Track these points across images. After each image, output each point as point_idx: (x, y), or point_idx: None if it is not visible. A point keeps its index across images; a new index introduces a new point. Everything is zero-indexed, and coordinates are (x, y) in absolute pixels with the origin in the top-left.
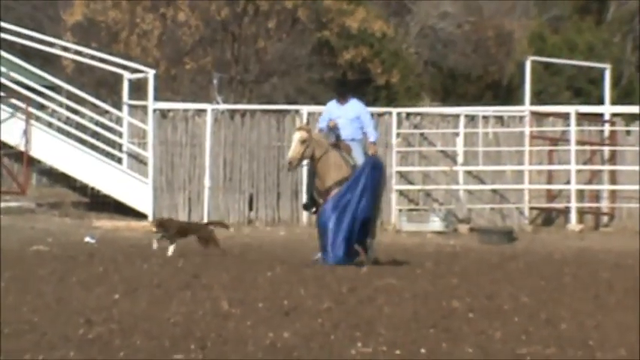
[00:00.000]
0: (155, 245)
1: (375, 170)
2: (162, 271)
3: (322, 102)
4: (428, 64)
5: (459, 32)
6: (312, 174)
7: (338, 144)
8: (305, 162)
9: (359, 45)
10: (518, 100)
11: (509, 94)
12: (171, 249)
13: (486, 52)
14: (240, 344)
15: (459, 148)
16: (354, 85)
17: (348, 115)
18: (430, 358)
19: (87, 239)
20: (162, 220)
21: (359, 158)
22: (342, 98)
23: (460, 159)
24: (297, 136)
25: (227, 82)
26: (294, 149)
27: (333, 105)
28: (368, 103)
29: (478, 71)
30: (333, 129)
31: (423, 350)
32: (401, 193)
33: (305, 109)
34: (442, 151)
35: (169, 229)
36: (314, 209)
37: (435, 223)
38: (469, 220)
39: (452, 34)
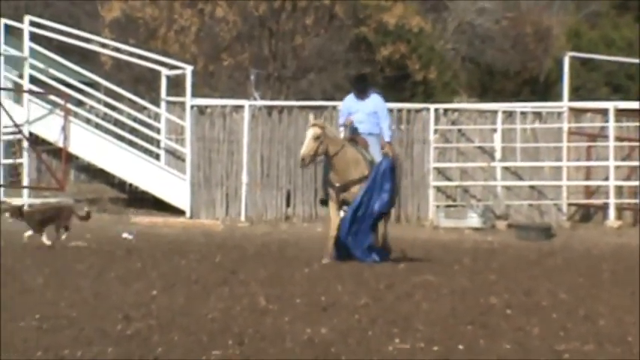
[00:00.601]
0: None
1: (386, 172)
2: (199, 266)
3: None
4: (465, 60)
5: (496, 28)
6: (328, 170)
7: (355, 139)
8: (319, 159)
9: (396, 41)
10: (556, 96)
11: (547, 90)
12: (28, 233)
13: (524, 48)
14: (277, 340)
15: (497, 144)
16: (370, 80)
17: (367, 109)
18: (468, 355)
19: (125, 235)
20: (16, 209)
21: (376, 153)
22: (362, 94)
23: (498, 155)
24: (311, 132)
25: (264, 78)
26: (307, 145)
27: (351, 99)
28: (405, 99)
29: (516, 67)
30: (349, 126)
31: (460, 346)
32: (438, 189)
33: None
34: (480, 147)
35: (31, 220)
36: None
37: (473, 219)
38: (507, 216)
39: (490, 30)
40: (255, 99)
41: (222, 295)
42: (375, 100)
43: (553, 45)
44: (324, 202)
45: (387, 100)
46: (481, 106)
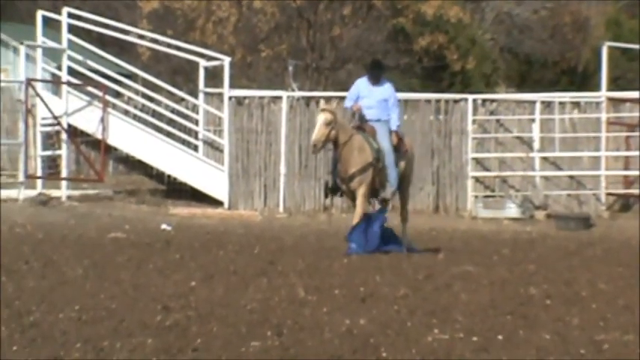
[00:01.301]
0: None
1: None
2: (238, 258)
3: (398, 89)
4: (504, 51)
5: (535, 18)
6: (336, 159)
7: (362, 126)
8: (329, 145)
9: (434, 31)
10: (595, 86)
11: (585, 80)
12: None
13: (563, 38)
14: (316, 331)
15: (535, 134)
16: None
17: (377, 97)
18: (507, 345)
19: (163, 226)
20: None
21: (384, 141)
22: (376, 80)
23: (536, 145)
24: (322, 118)
25: (302, 69)
26: (318, 131)
27: (363, 84)
28: (443, 90)
29: (554, 57)
30: (357, 112)
31: (500, 337)
32: (477, 179)
33: None
34: (518, 138)
35: None
36: (340, 193)
37: (512, 210)
38: (546, 206)
39: (528, 20)
40: (293, 90)
41: (261, 286)
42: (387, 88)
43: (591, 35)
44: (333, 192)
45: (425, 90)
46: (519, 97)
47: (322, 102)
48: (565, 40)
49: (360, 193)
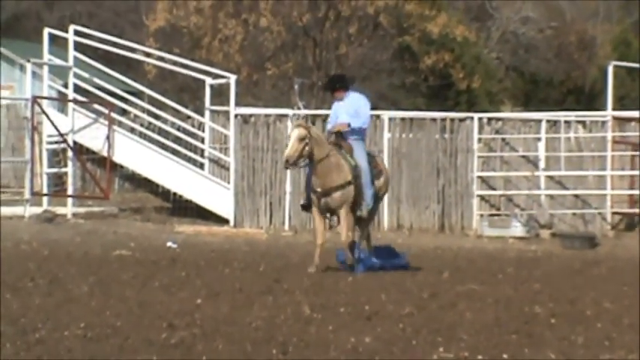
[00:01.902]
0: None
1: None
2: (243, 275)
3: (403, 107)
4: (509, 69)
5: (540, 37)
6: (310, 174)
7: (340, 143)
8: (303, 162)
9: (440, 50)
10: (601, 105)
11: (591, 99)
12: None
13: (568, 57)
14: (322, 349)
15: (541, 153)
16: (345, 79)
17: (349, 111)
18: None
19: (169, 244)
20: None
21: (361, 158)
22: (335, 94)
23: (542, 164)
24: (296, 133)
25: (308, 87)
26: (292, 146)
27: (335, 104)
28: (449, 108)
29: (560, 76)
30: (338, 130)
31: (505, 356)
32: (482, 198)
33: (386, 115)
34: (524, 156)
35: None
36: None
37: (517, 229)
38: (551, 225)
39: (534, 39)
40: (299, 108)
41: (266, 303)
42: (354, 100)
43: (597, 54)
44: (305, 208)
45: (430, 108)
46: (525, 115)
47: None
48: (571, 60)
49: (343, 215)
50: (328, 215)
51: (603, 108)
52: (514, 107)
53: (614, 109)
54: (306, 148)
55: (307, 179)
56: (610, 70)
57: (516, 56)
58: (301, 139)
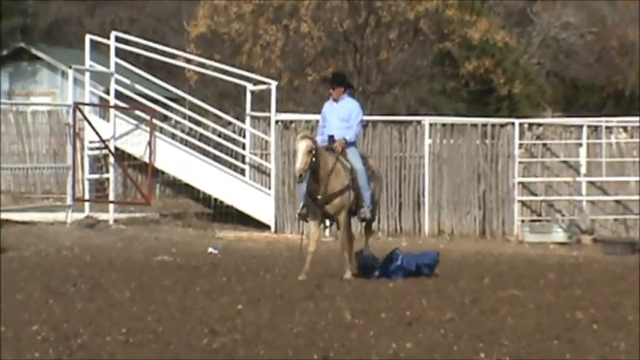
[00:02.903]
0: None
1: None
2: (284, 281)
3: (444, 112)
4: (550, 75)
5: (581, 42)
6: (309, 182)
7: (332, 147)
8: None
9: (481, 55)
10: None
11: (632, 104)
12: None
13: (609, 62)
14: (363, 354)
15: (582, 158)
16: (346, 80)
17: (340, 115)
18: None
19: (210, 250)
20: None
21: (355, 161)
22: (334, 91)
23: (583, 169)
24: (303, 146)
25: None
26: (301, 160)
27: (327, 104)
28: (490, 114)
29: (601, 81)
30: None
31: None
32: (523, 203)
33: (427, 120)
34: (565, 162)
35: None
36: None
37: (558, 234)
38: (592, 231)
39: (574, 45)
40: None
41: (307, 309)
42: (348, 104)
43: (638, 59)
44: (302, 217)
45: (471, 114)
46: (566, 121)
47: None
48: (611, 64)
49: (342, 221)
50: (327, 222)
51: None
52: (554, 113)
53: None
54: (314, 159)
55: (305, 187)
56: None
57: (557, 61)
58: (309, 152)
